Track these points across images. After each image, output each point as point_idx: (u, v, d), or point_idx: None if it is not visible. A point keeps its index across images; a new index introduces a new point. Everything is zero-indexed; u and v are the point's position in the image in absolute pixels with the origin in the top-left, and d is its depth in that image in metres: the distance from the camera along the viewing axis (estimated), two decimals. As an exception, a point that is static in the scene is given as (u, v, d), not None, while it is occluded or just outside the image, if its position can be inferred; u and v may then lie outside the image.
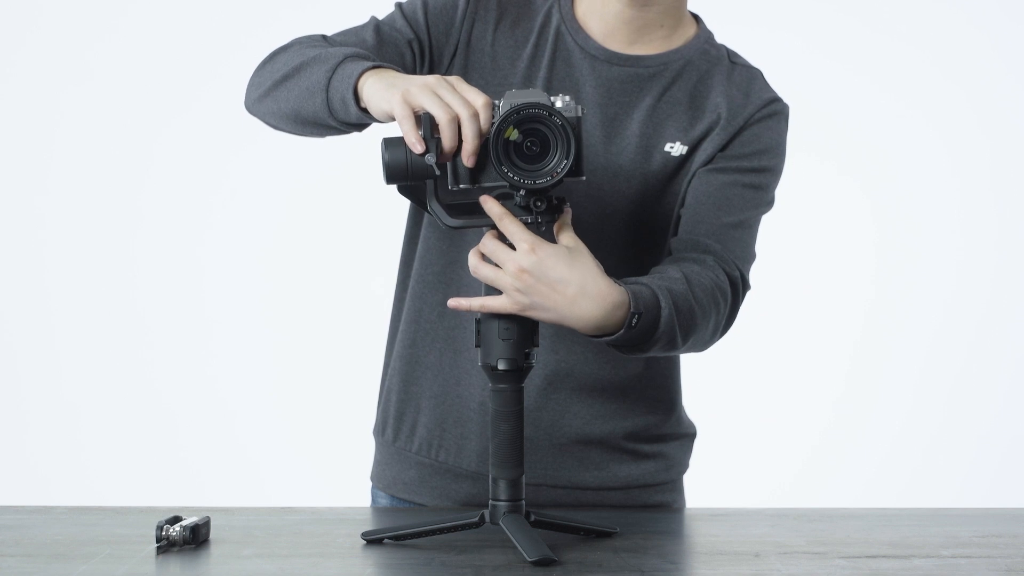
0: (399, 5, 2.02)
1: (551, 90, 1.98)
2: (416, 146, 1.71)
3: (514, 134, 1.69)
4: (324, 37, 1.98)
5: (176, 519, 1.74)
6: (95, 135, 4.03)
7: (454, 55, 2.01)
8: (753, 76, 2.04)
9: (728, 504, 2.17)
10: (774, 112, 2.02)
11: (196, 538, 1.73)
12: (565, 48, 2.01)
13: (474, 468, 2.03)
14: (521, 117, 1.69)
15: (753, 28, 2.96)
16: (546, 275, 1.73)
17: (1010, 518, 2.01)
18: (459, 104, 1.70)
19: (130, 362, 4.04)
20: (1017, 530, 1.93)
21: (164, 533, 1.72)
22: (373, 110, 1.78)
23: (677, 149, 1.99)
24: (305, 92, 1.86)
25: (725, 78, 2.02)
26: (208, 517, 1.79)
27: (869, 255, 4.14)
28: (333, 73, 1.83)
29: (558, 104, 1.72)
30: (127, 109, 4.02)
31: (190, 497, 3.12)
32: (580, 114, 1.72)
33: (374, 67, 1.81)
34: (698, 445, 2.16)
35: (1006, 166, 4.14)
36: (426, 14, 2.00)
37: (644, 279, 1.85)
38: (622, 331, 1.79)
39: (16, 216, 4.04)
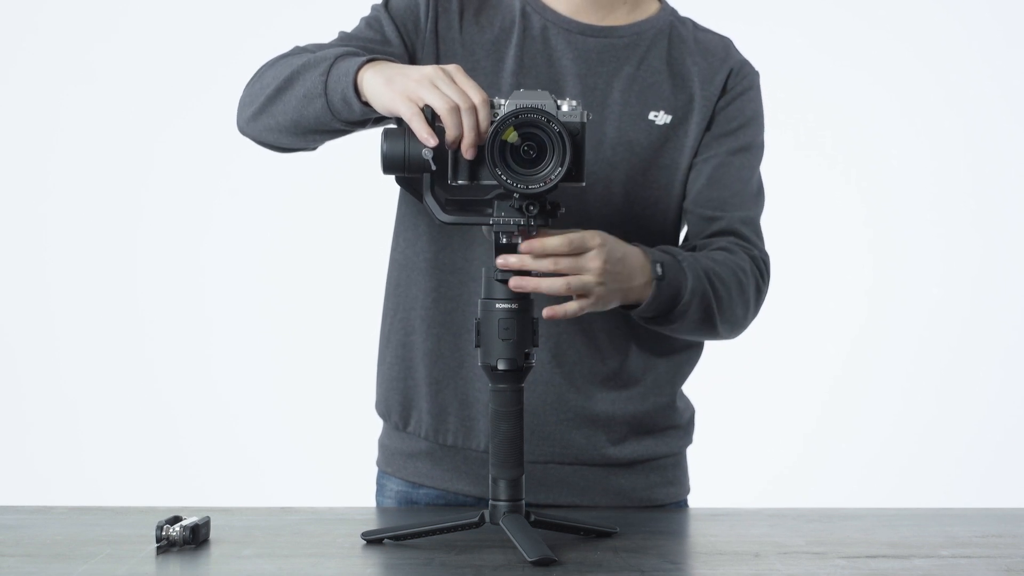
0: (365, 19, 2.02)
1: (524, 70, 1.99)
2: (429, 140, 1.71)
3: (513, 136, 1.69)
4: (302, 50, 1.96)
5: (176, 519, 1.74)
6: (96, 136, 4.03)
7: (427, 52, 2.00)
8: (725, 44, 2.09)
9: (728, 504, 2.17)
10: (746, 75, 2.06)
11: (196, 538, 1.73)
12: (534, 27, 2.02)
13: (483, 447, 2.01)
14: (519, 121, 1.69)
15: (753, 26, 2.96)
16: (612, 254, 1.79)
17: (1010, 518, 2.02)
18: (458, 96, 1.71)
19: (130, 362, 4.04)
20: (1017, 530, 1.93)
21: (164, 533, 1.72)
22: (377, 107, 1.78)
23: (661, 118, 2.01)
24: (303, 99, 1.85)
25: (697, 47, 2.05)
26: (208, 517, 1.79)
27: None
28: (328, 74, 1.82)
29: (564, 108, 1.71)
30: (128, 110, 4.02)
31: (190, 497, 3.12)
32: (585, 120, 1.72)
33: (369, 60, 1.81)
34: (698, 445, 2.15)
35: (1005, 166, 4.14)
36: (393, 21, 2.00)
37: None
38: (652, 290, 1.83)
39: (17, 216, 4.04)
